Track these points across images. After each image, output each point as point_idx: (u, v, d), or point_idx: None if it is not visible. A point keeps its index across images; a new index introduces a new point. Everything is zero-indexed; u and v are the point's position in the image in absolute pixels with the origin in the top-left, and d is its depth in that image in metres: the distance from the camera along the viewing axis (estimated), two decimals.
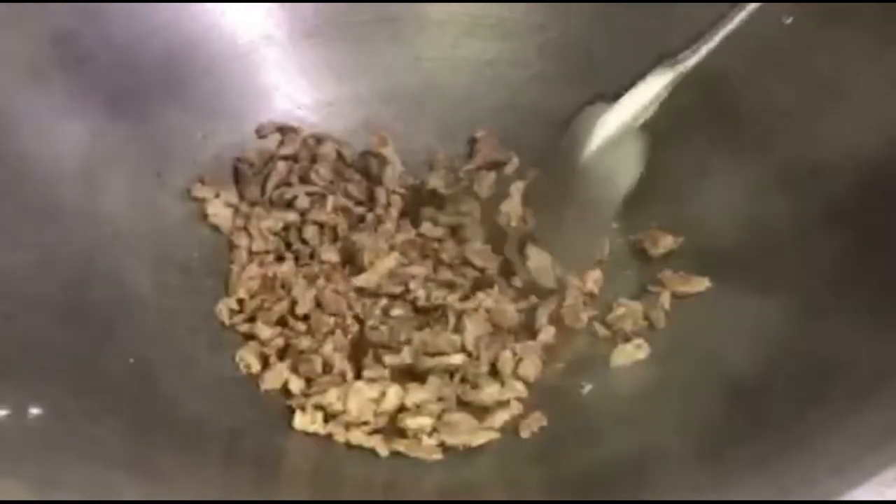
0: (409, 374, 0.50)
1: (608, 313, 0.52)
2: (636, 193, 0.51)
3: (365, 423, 0.47)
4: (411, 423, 0.47)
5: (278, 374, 0.49)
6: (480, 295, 0.52)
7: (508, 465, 0.46)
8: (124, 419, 0.41)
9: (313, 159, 0.58)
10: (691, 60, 0.48)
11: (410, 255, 0.55)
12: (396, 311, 0.52)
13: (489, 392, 0.49)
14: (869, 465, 0.35)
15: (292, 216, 0.56)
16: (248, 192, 0.57)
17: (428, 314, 0.52)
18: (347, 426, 0.47)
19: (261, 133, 0.58)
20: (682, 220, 0.54)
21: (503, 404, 0.49)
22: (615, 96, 0.50)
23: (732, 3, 0.48)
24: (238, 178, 0.57)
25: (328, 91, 0.60)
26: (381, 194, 0.57)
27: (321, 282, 0.53)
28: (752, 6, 0.47)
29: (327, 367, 0.50)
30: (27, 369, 0.40)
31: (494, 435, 0.47)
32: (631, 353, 0.50)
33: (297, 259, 0.55)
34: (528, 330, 0.52)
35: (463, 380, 0.50)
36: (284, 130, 0.59)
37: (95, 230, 0.50)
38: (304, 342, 0.50)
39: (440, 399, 0.48)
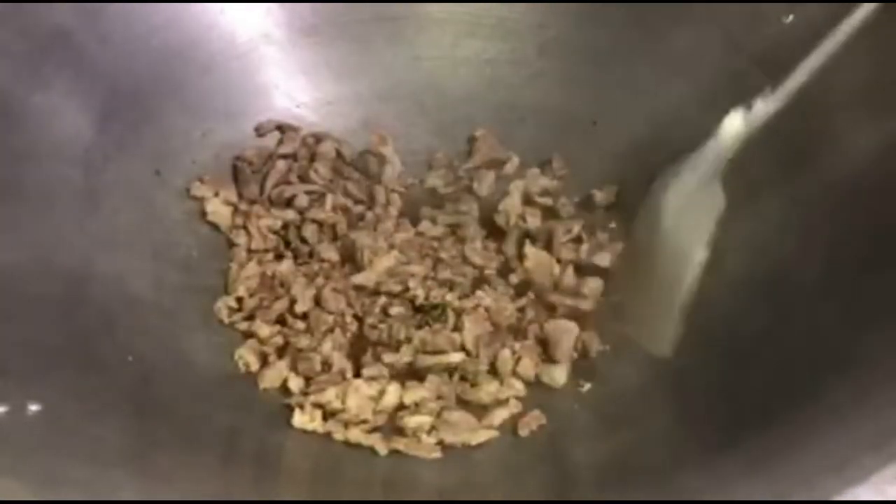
0: (409, 373, 0.50)
1: None
2: None
3: (364, 422, 0.47)
4: (410, 421, 0.47)
5: (277, 373, 0.49)
6: (479, 293, 0.52)
7: (507, 463, 0.46)
8: (123, 417, 0.41)
9: (312, 158, 0.58)
10: (769, 107, 0.43)
11: (409, 254, 0.55)
12: (396, 310, 0.52)
13: (488, 391, 0.49)
14: (869, 464, 0.35)
15: (291, 215, 0.56)
16: (248, 191, 0.57)
17: (427, 313, 0.52)
18: (346, 424, 0.47)
19: (260, 132, 0.58)
20: None
21: (502, 402, 0.49)
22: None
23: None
24: (237, 176, 0.57)
25: (327, 90, 0.60)
26: (380, 193, 0.57)
27: (320, 280, 0.53)
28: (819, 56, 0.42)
29: (326, 366, 0.50)
30: (26, 367, 0.40)
31: (493, 433, 0.47)
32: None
33: (295, 257, 0.55)
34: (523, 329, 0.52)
35: (462, 378, 0.50)
36: (284, 129, 0.59)
37: (95, 228, 0.49)
38: (303, 340, 0.50)
39: (439, 397, 0.48)
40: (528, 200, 0.58)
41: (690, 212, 0.44)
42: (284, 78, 0.59)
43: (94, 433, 0.38)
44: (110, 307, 0.47)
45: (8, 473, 0.33)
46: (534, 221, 0.57)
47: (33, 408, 0.37)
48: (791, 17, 0.53)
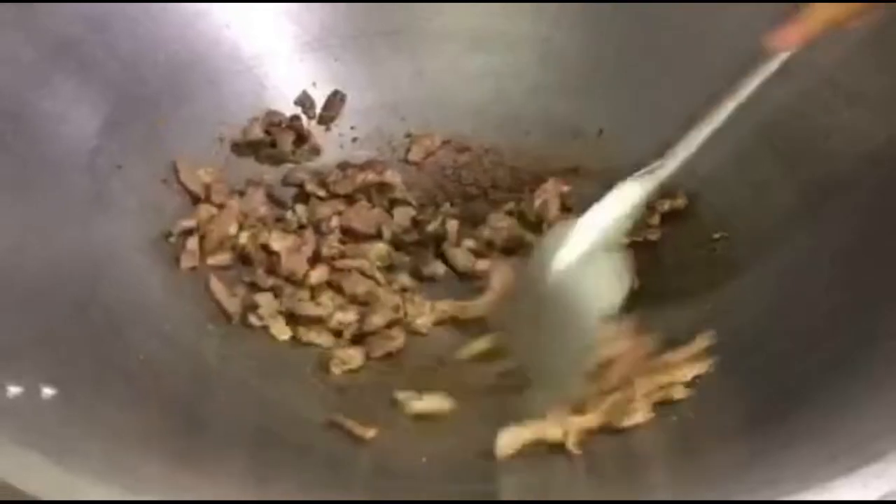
0: None
1: None
2: None
3: None
4: None
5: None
6: None
7: None
8: (138, 407, 0.39)
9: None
10: (665, 171, 0.43)
11: None
12: None
13: None
14: None
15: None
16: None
17: None
18: None
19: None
20: None
21: None
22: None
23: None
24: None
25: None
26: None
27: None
28: (721, 113, 0.44)
29: None
30: (41, 353, 0.39)
31: None
32: None
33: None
34: None
35: None
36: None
37: (103, 233, 0.49)
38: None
39: None
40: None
41: (589, 265, 0.42)
42: (290, 92, 0.59)
43: (111, 417, 0.37)
44: (119, 309, 0.46)
45: (30, 446, 0.31)
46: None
47: (48, 391, 0.36)
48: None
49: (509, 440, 0.43)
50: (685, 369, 0.46)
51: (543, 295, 0.43)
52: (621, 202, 0.43)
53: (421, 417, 0.46)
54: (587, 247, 0.43)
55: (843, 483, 0.32)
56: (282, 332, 0.50)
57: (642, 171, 0.44)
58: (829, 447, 0.35)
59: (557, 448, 0.43)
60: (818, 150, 0.51)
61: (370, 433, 0.44)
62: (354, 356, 0.49)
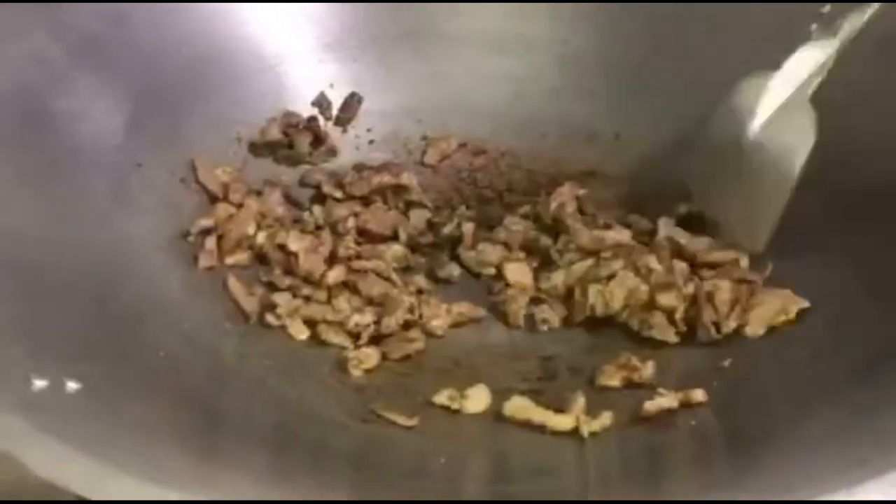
0: None
1: None
2: None
3: None
4: None
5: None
6: None
7: None
8: (161, 402, 0.39)
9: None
10: (855, 24, 0.45)
11: None
12: None
13: None
14: None
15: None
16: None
17: None
18: None
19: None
20: None
21: None
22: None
23: None
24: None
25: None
26: None
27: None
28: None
29: None
30: (64, 349, 0.39)
31: None
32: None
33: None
34: None
35: None
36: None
37: (124, 231, 0.49)
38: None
39: None
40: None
41: (784, 119, 0.45)
42: (309, 92, 0.59)
43: (135, 412, 0.37)
44: (139, 306, 0.46)
45: (56, 436, 0.31)
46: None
47: (73, 385, 0.36)
48: (814, 27, 0.54)
49: (518, 406, 0.44)
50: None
51: (744, 148, 0.46)
52: (808, 61, 0.46)
53: (439, 417, 0.46)
54: (781, 102, 0.45)
55: (873, 485, 0.32)
56: (300, 331, 0.50)
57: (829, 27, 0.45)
58: (856, 450, 0.35)
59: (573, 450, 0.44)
60: (842, 158, 0.51)
61: (413, 422, 0.45)
62: (371, 355, 0.49)
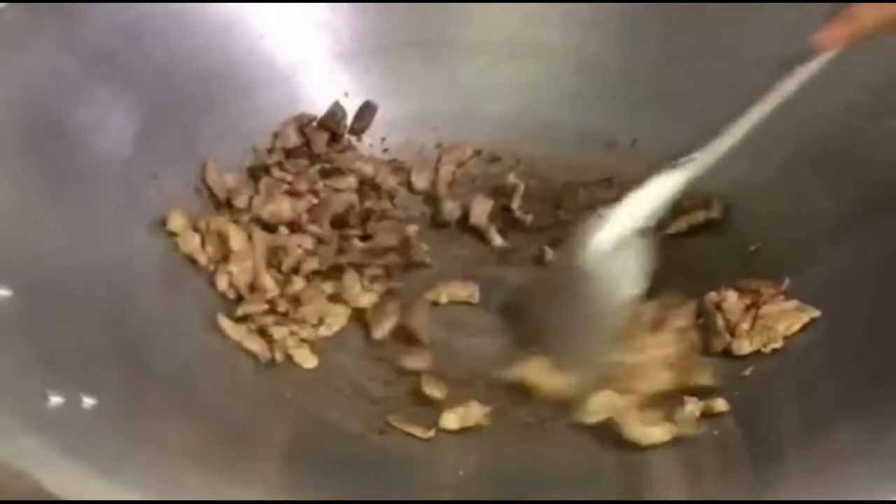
0: None
1: None
2: None
3: None
4: None
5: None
6: None
7: None
8: (177, 416, 0.39)
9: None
10: (702, 162, 0.46)
11: None
12: None
13: None
14: None
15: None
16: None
17: None
18: None
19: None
20: None
21: None
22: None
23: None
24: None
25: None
26: None
27: None
28: (764, 108, 0.45)
29: None
30: (79, 365, 0.38)
31: None
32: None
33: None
34: None
35: None
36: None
37: (135, 242, 0.49)
38: None
39: None
40: None
41: (618, 253, 0.45)
42: (323, 102, 0.59)
43: (149, 427, 0.37)
44: (154, 319, 0.46)
45: (71, 455, 0.31)
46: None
47: (88, 401, 0.36)
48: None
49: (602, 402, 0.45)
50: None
51: (578, 273, 0.46)
52: (659, 191, 0.46)
53: (458, 431, 0.46)
54: (622, 231, 0.45)
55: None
56: (306, 360, 0.49)
57: (679, 160, 0.46)
58: (879, 462, 0.35)
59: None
60: (860, 161, 0.51)
61: (429, 434, 0.45)
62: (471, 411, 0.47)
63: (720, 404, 0.45)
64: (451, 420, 0.46)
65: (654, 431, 0.44)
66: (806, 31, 0.51)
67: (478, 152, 0.61)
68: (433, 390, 0.47)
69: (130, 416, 0.37)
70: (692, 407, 0.44)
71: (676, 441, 0.43)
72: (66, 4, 0.50)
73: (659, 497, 0.42)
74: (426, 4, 0.60)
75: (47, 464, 0.31)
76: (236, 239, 0.50)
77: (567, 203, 0.59)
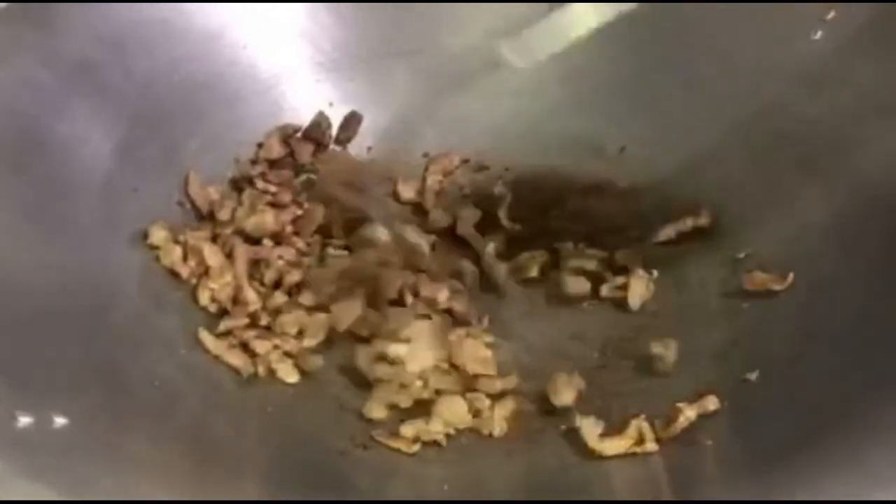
0: None
1: None
2: None
3: None
4: None
5: None
6: None
7: None
8: (151, 434, 0.39)
9: None
10: None
11: None
12: None
13: None
14: None
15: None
16: None
17: None
18: None
19: None
20: None
21: None
22: None
23: None
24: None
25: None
26: None
27: None
28: None
29: None
30: (51, 383, 0.38)
31: None
32: None
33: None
34: None
35: None
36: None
37: (117, 257, 0.48)
38: None
39: None
40: None
41: None
42: (307, 112, 0.58)
43: (122, 446, 0.36)
44: (134, 334, 0.45)
45: (37, 478, 0.30)
46: None
47: (59, 421, 0.35)
48: (819, 34, 0.53)
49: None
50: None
51: None
52: None
53: (445, 446, 0.45)
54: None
55: None
56: (289, 374, 0.48)
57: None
58: (868, 470, 0.34)
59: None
60: (848, 165, 0.50)
61: (414, 448, 0.44)
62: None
63: (711, 402, 0.45)
64: (408, 431, 0.46)
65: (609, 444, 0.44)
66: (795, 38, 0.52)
67: (465, 161, 0.60)
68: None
69: (104, 436, 0.36)
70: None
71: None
72: (46, 15, 0.50)
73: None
74: (410, 13, 0.59)
75: (12, 489, 0.30)
76: (212, 256, 0.49)
77: (555, 211, 0.58)
